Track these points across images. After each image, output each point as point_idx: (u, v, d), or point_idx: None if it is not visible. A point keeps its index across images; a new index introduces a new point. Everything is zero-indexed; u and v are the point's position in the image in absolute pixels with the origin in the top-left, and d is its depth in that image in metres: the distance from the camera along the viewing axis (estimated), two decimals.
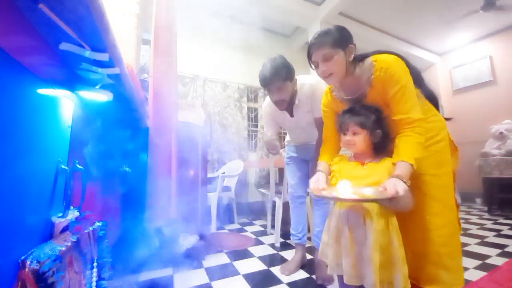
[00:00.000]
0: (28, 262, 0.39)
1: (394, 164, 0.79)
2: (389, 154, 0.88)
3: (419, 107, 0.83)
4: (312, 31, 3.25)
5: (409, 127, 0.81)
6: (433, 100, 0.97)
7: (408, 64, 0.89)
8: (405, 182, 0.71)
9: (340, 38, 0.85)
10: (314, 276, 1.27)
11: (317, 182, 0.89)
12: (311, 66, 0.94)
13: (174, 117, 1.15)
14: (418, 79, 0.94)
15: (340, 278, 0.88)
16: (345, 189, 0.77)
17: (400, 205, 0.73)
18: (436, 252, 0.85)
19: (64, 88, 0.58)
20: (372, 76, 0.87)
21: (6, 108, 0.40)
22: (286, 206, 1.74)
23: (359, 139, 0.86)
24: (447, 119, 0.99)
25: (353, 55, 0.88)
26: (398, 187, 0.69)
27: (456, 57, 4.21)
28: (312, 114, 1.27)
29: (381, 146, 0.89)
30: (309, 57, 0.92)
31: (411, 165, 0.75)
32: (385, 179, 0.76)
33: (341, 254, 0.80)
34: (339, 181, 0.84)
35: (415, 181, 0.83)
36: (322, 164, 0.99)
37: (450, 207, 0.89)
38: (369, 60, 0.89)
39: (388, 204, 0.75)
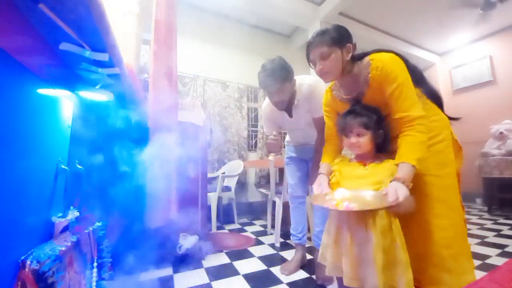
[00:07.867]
0: (28, 262, 0.39)
1: (396, 165, 0.78)
2: (391, 155, 0.86)
3: (419, 104, 0.82)
4: (312, 31, 3.25)
5: (409, 126, 0.80)
6: (436, 99, 0.95)
7: (408, 64, 0.88)
8: (407, 186, 0.70)
9: (337, 37, 0.85)
10: (314, 276, 1.27)
11: (320, 186, 0.89)
12: (309, 65, 0.94)
13: (174, 117, 1.15)
14: (419, 79, 0.93)
15: (340, 280, 0.88)
16: (343, 195, 0.77)
17: (402, 209, 0.72)
18: (438, 254, 0.83)
19: (64, 88, 0.58)
20: (369, 75, 0.86)
21: (6, 108, 0.40)
22: (286, 206, 1.74)
23: (364, 140, 0.85)
24: (453, 118, 0.96)
25: (350, 54, 0.88)
26: (399, 193, 0.68)
27: (456, 57, 4.20)
28: (311, 114, 1.27)
29: (383, 147, 0.89)
30: (308, 56, 0.92)
31: (413, 166, 0.74)
32: (386, 179, 0.75)
33: (341, 255, 0.79)
34: (338, 188, 0.84)
35: (417, 182, 0.81)
36: (324, 165, 0.98)
37: (454, 208, 0.86)
38: (366, 59, 0.89)
39: (387, 209, 0.74)
